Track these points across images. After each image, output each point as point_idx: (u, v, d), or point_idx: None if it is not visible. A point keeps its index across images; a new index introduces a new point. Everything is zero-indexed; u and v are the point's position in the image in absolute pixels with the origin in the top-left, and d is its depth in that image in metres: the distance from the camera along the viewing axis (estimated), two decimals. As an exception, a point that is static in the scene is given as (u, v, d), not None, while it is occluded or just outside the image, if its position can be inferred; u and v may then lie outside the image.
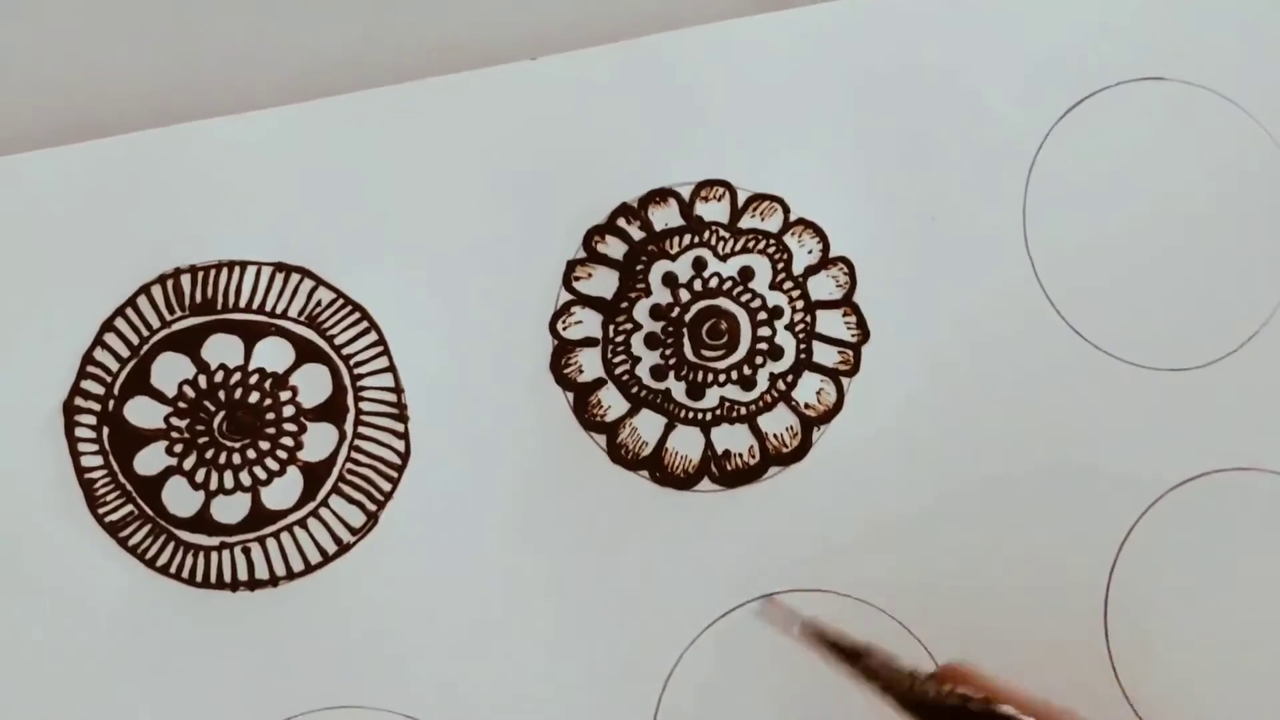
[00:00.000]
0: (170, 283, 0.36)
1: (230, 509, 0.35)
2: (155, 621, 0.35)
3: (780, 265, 0.37)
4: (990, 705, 0.25)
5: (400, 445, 0.36)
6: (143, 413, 0.36)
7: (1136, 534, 0.36)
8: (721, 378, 0.37)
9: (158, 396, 0.36)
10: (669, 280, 0.37)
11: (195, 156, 0.37)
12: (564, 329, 0.37)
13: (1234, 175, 0.38)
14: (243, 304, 0.36)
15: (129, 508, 0.35)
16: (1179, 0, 0.39)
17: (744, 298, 0.37)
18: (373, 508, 0.36)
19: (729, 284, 0.37)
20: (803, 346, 0.37)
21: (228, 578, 0.35)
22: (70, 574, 0.35)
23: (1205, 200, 0.38)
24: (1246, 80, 0.39)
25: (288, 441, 0.36)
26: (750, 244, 0.37)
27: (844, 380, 0.37)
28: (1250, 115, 0.39)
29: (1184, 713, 0.36)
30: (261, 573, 0.35)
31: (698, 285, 0.37)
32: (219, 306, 0.36)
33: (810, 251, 0.37)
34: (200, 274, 0.36)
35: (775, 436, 0.37)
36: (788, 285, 0.37)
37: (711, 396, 0.37)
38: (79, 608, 0.35)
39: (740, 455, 0.36)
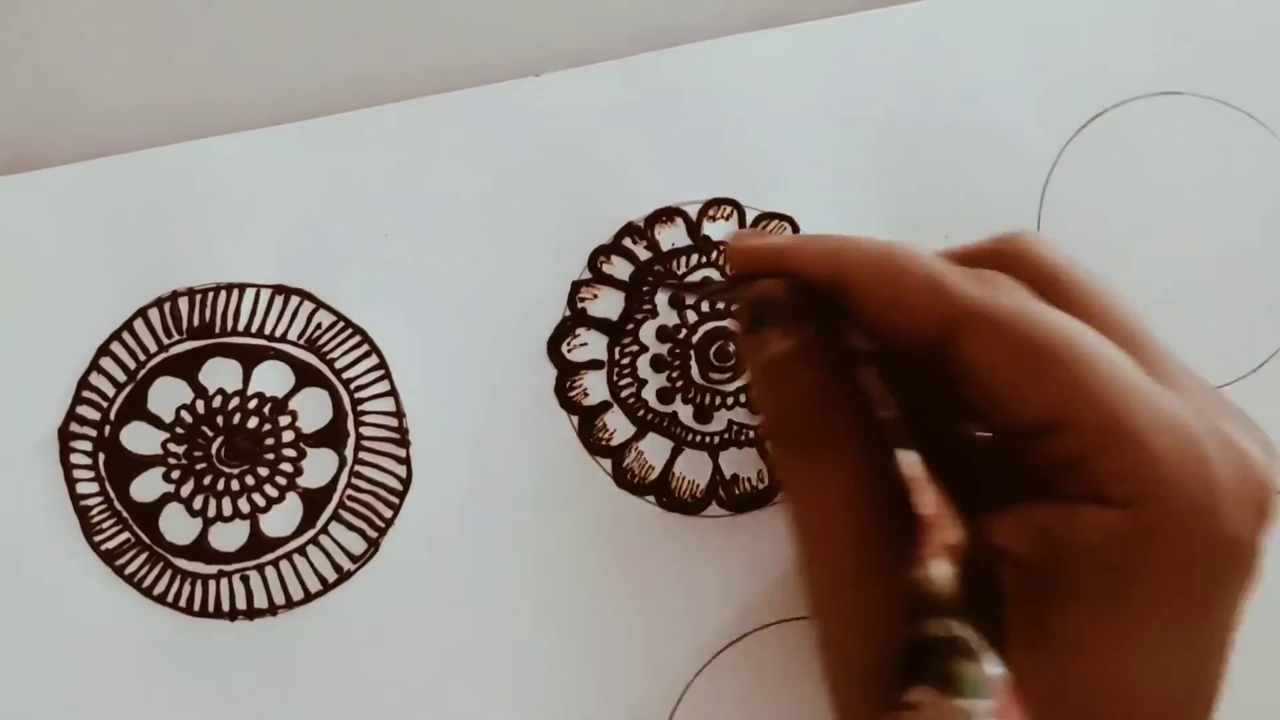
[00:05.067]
0: (167, 306, 0.36)
1: (228, 536, 0.35)
2: (152, 651, 0.34)
3: (789, 285, 0.36)
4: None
5: (402, 471, 0.35)
6: (139, 438, 0.35)
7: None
8: (729, 400, 0.36)
9: (155, 422, 0.35)
10: (676, 301, 0.36)
11: (193, 176, 0.36)
12: (569, 351, 0.36)
13: (1253, 191, 0.38)
14: (241, 327, 0.36)
15: (125, 535, 0.35)
16: (1195, 13, 0.39)
17: (752, 319, 0.36)
18: (374, 535, 0.35)
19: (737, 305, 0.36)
20: (812, 368, 0.36)
21: (226, 606, 0.35)
22: (65, 603, 0.34)
23: (1224, 217, 0.38)
24: (1265, 94, 0.38)
25: (287, 467, 0.35)
26: (759, 263, 0.37)
27: (855, 403, 0.36)
28: (1269, 130, 0.38)
29: None
30: (260, 601, 0.35)
31: (705, 306, 0.36)
32: (217, 330, 0.36)
33: (820, 271, 0.37)
34: (198, 297, 0.36)
35: (785, 461, 0.36)
36: (797, 305, 0.36)
37: (719, 420, 0.36)
38: (74, 637, 0.34)
39: (749, 479, 0.36)
